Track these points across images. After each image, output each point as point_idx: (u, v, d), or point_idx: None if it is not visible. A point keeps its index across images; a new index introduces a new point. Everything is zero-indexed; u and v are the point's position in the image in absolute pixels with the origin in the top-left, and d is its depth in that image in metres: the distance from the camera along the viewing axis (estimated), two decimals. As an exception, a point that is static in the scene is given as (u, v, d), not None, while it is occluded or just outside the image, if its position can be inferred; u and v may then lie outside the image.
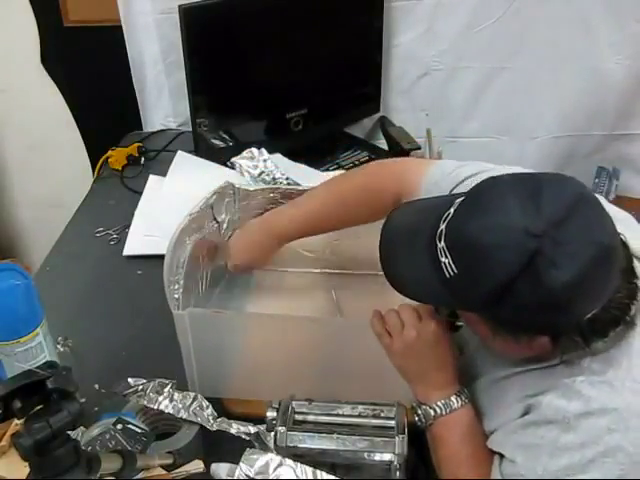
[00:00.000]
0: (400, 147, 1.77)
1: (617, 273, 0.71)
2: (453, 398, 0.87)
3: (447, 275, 0.74)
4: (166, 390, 0.96)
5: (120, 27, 1.77)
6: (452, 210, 0.75)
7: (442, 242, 0.74)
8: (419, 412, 0.88)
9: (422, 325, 0.87)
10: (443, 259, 0.74)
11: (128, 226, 1.47)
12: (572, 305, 0.69)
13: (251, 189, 1.27)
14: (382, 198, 1.03)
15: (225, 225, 1.27)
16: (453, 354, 0.90)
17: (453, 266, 0.73)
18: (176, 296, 1.01)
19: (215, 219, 1.22)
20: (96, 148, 1.85)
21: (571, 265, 0.67)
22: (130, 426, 0.88)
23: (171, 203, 1.52)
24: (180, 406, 0.95)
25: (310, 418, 0.89)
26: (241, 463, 0.79)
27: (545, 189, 0.69)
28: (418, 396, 0.89)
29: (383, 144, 1.89)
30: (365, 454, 0.85)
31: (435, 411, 0.86)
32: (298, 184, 1.45)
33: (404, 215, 0.88)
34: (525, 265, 0.67)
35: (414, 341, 0.87)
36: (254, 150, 1.56)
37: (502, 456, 0.80)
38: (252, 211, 1.28)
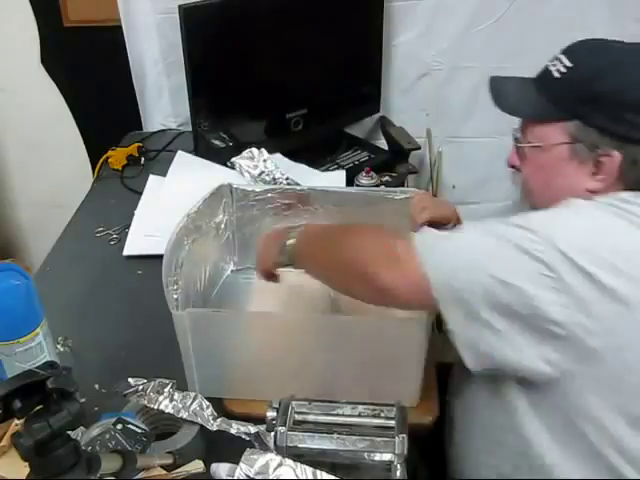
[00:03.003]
0: (400, 147, 1.77)
1: None
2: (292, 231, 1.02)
3: (556, 75, 0.92)
4: (166, 390, 0.96)
5: (120, 27, 1.77)
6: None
7: (558, 55, 0.93)
8: (285, 252, 1.01)
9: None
10: (555, 67, 0.93)
11: (128, 226, 1.47)
12: None
13: (249, 189, 1.27)
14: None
15: (223, 225, 1.27)
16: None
17: (567, 62, 0.91)
18: (175, 296, 1.01)
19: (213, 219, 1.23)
20: (96, 148, 1.85)
21: None
22: (130, 426, 0.88)
23: (171, 203, 1.51)
24: (180, 406, 0.95)
25: (310, 418, 0.89)
26: (241, 463, 0.79)
27: None
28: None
29: (383, 144, 1.89)
30: (365, 454, 0.85)
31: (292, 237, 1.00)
32: (298, 184, 1.45)
33: None
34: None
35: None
36: (254, 150, 1.55)
37: None
38: (250, 211, 1.28)
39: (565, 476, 0.87)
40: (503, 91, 1.01)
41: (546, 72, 0.95)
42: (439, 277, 0.83)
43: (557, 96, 0.93)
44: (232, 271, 1.35)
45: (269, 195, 1.27)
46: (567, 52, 0.93)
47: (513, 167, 1.03)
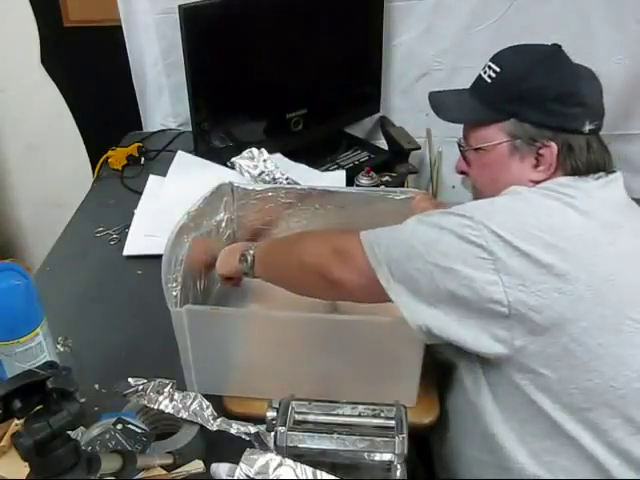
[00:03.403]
0: (400, 147, 1.77)
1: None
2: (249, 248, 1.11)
3: (487, 80, 1.00)
4: (166, 390, 0.96)
5: (120, 27, 1.77)
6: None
7: (488, 63, 1.02)
8: (244, 259, 1.09)
9: None
10: (485, 74, 1.01)
11: (128, 226, 1.47)
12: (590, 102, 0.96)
13: (249, 188, 1.27)
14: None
15: (224, 224, 1.27)
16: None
17: (495, 67, 1.00)
18: (174, 293, 1.01)
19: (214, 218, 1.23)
20: (96, 148, 1.85)
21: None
22: (130, 426, 0.88)
23: (171, 203, 1.51)
24: (180, 406, 0.95)
25: (310, 418, 0.89)
26: (241, 463, 0.79)
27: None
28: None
29: (383, 144, 1.89)
30: (365, 454, 0.85)
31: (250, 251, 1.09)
32: (298, 184, 1.45)
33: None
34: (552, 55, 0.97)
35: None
36: (254, 150, 1.56)
37: None
38: (250, 210, 1.28)
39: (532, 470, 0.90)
40: (443, 103, 1.10)
41: (479, 79, 1.04)
42: (383, 267, 0.89)
43: (490, 99, 1.00)
44: None
45: (269, 194, 1.27)
46: (495, 59, 1.02)
47: (462, 173, 1.09)
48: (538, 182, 0.97)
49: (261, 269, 1.10)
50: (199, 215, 1.18)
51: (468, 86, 1.74)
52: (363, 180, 1.58)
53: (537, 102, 0.96)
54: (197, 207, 1.16)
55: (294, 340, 1.01)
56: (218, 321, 1.00)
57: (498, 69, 1.00)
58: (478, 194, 1.07)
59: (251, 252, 1.10)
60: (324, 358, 1.01)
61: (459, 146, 1.08)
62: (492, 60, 1.02)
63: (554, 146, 0.95)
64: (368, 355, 0.99)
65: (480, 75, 1.04)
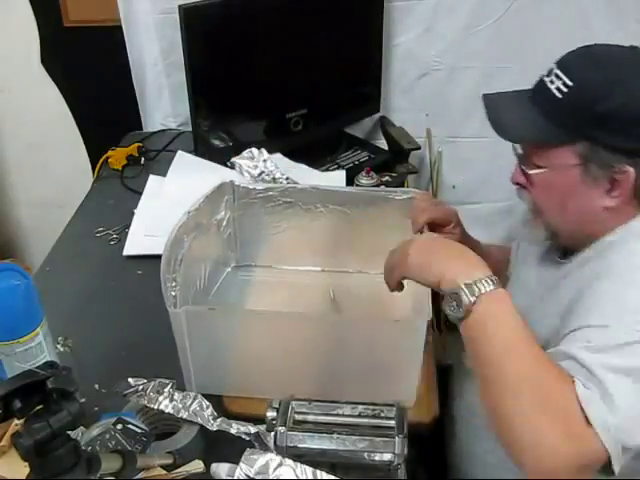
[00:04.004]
0: (400, 147, 1.77)
1: None
2: (494, 278, 0.79)
3: (557, 95, 0.88)
4: (166, 390, 0.96)
5: (120, 27, 1.77)
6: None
7: (555, 69, 0.90)
8: (459, 294, 0.78)
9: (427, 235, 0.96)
10: (553, 84, 0.89)
11: (128, 226, 1.47)
12: None
13: (250, 187, 1.27)
14: None
15: (225, 222, 1.27)
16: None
17: (566, 79, 0.87)
18: (173, 294, 1.01)
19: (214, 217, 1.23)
20: (96, 148, 1.85)
21: None
22: (130, 426, 0.88)
23: (171, 203, 1.51)
24: (180, 406, 0.95)
25: (310, 418, 0.89)
26: (241, 463, 0.79)
27: None
28: (451, 276, 0.80)
29: (383, 144, 1.89)
30: (365, 454, 0.85)
31: (480, 286, 0.77)
32: (298, 184, 1.45)
33: None
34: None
35: (428, 240, 0.93)
36: (254, 150, 1.55)
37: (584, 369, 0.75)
38: (252, 209, 1.28)
39: None
40: (502, 117, 0.96)
41: (544, 89, 0.91)
42: (618, 447, 0.73)
43: (561, 119, 0.89)
44: (233, 267, 1.35)
45: (270, 193, 1.27)
46: (563, 68, 0.90)
47: (518, 184, 0.98)
48: (612, 209, 0.89)
49: (469, 340, 0.81)
50: (200, 214, 1.18)
51: (468, 86, 1.73)
52: (363, 180, 1.58)
53: (617, 125, 0.86)
54: (198, 206, 1.16)
55: (292, 339, 1.01)
56: (216, 321, 1.00)
57: (570, 82, 0.87)
58: (540, 214, 0.97)
59: (473, 297, 0.78)
60: (323, 357, 1.01)
61: (517, 157, 0.97)
62: (560, 68, 0.90)
63: (632, 171, 0.86)
64: (366, 355, 0.99)
65: (545, 84, 0.91)
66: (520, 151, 0.96)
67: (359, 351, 0.99)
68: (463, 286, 0.79)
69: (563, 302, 0.89)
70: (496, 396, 0.77)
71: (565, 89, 0.88)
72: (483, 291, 0.78)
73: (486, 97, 0.99)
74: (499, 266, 1.18)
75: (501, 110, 0.96)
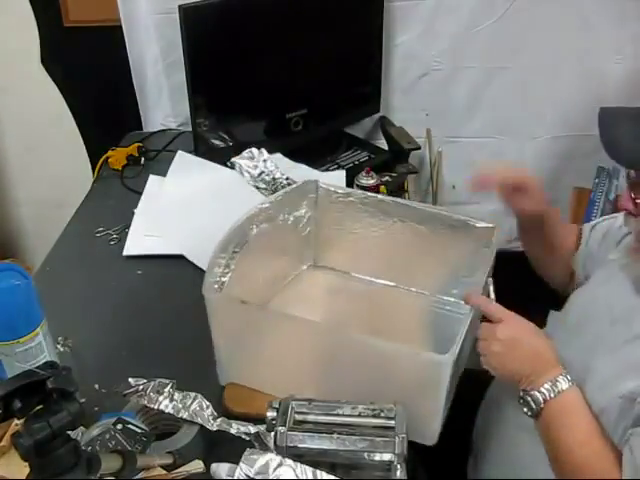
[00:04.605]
0: (400, 147, 1.77)
1: None
2: (560, 379, 0.86)
3: None
4: (166, 390, 0.96)
5: (120, 27, 1.77)
6: None
7: None
8: (527, 400, 0.87)
9: (509, 322, 0.91)
10: None
11: (128, 226, 1.47)
12: None
13: (331, 189, 1.27)
14: None
15: (305, 220, 1.27)
16: (546, 340, 0.92)
17: None
18: (222, 279, 1.01)
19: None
20: (96, 148, 1.85)
21: None
22: (130, 426, 0.88)
23: (171, 203, 1.52)
24: (180, 406, 0.95)
25: (310, 418, 0.89)
26: (241, 463, 0.79)
27: None
28: (522, 385, 0.89)
29: (383, 144, 1.89)
30: (365, 454, 0.85)
31: (543, 394, 0.85)
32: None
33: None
34: None
35: (508, 339, 0.90)
36: (254, 150, 1.56)
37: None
38: (332, 212, 1.28)
39: None
40: (619, 137, 0.87)
41: None
42: None
43: None
44: (308, 267, 1.35)
45: (350, 199, 1.26)
46: None
47: (626, 210, 0.93)
48: None
49: (544, 432, 0.88)
50: (275, 207, 1.17)
51: (468, 86, 1.72)
52: (363, 180, 1.58)
53: None
54: (273, 199, 1.16)
55: (308, 347, 0.99)
56: (245, 315, 1.00)
57: None
58: None
59: (541, 396, 0.87)
60: (337, 372, 0.99)
61: (628, 180, 0.90)
62: None
63: None
64: (384, 381, 0.94)
65: None
66: (633, 175, 0.90)
67: (376, 375, 0.95)
68: (530, 394, 0.88)
69: None
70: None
71: None
72: (547, 395, 0.86)
73: (603, 111, 0.90)
74: (571, 245, 1.20)
75: (618, 129, 0.88)
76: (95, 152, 1.87)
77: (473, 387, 1.10)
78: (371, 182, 1.58)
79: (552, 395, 0.86)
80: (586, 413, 0.85)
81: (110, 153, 1.73)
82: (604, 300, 1.00)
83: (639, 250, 0.94)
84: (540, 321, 1.10)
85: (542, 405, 0.86)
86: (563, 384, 0.86)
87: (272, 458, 0.80)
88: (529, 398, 0.88)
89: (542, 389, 0.87)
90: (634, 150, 0.84)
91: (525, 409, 0.89)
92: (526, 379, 0.89)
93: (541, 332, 0.95)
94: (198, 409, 0.96)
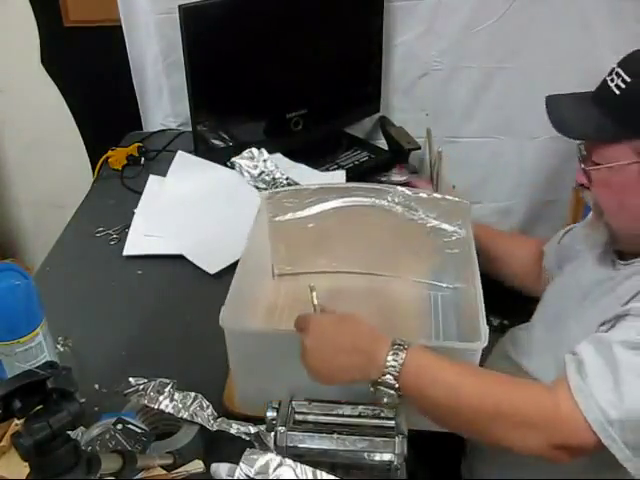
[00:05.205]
0: (400, 147, 1.77)
1: None
2: (395, 345, 0.82)
3: (616, 92, 0.88)
4: (166, 390, 0.96)
5: (120, 27, 1.77)
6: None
7: (616, 68, 0.90)
8: (380, 389, 0.83)
9: (308, 326, 0.87)
10: (613, 82, 0.89)
11: (128, 226, 1.47)
12: None
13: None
14: None
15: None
16: (353, 318, 0.88)
17: (625, 76, 0.88)
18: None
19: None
20: (96, 148, 1.85)
21: None
22: (130, 426, 0.88)
23: (171, 203, 1.52)
24: (180, 406, 0.95)
25: (310, 418, 0.89)
26: (241, 463, 0.79)
27: None
28: (366, 378, 0.84)
29: (383, 144, 1.89)
30: (365, 454, 0.85)
31: (393, 368, 0.81)
32: (297, 183, 1.45)
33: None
34: None
35: (316, 342, 0.86)
36: (254, 150, 1.56)
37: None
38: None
39: None
40: (564, 115, 0.96)
41: (605, 88, 0.92)
42: (619, 444, 0.77)
43: (620, 114, 0.89)
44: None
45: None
46: (623, 65, 0.91)
47: (582, 186, 0.98)
48: None
49: (414, 393, 0.84)
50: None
51: (468, 86, 1.73)
52: (394, 177, 1.56)
53: None
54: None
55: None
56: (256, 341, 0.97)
57: (628, 79, 0.88)
58: (601, 214, 0.97)
59: (399, 361, 0.82)
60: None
61: (579, 157, 0.97)
62: (620, 66, 0.91)
63: None
64: None
65: (606, 82, 0.92)
66: (583, 152, 0.95)
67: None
68: (380, 379, 0.83)
69: (621, 302, 0.88)
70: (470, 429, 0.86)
71: (623, 85, 0.88)
72: (396, 364, 0.82)
73: (549, 98, 0.99)
74: (534, 257, 1.25)
75: (563, 109, 0.97)
76: (95, 152, 1.87)
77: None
78: (403, 178, 1.57)
79: (400, 363, 0.81)
80: (441, 357, 0.84)
81: (110, 153, 1.73)
82: (575, 281, 1.04)
83: (596, 222, 0.99)
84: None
85: (397, 384, 0.82)
86: (401, 347, 0.82)
87: (272, 458, 0.79)
88: (381, 386, 0.83)
89: (388, 366, 0.81)
90: (577, 125, 0.94)
91: (386, 399, 0.83)
92: (365, 368, 0.84)
93: (347, 315, 0.89)
94: (198, 409, 0.96)
